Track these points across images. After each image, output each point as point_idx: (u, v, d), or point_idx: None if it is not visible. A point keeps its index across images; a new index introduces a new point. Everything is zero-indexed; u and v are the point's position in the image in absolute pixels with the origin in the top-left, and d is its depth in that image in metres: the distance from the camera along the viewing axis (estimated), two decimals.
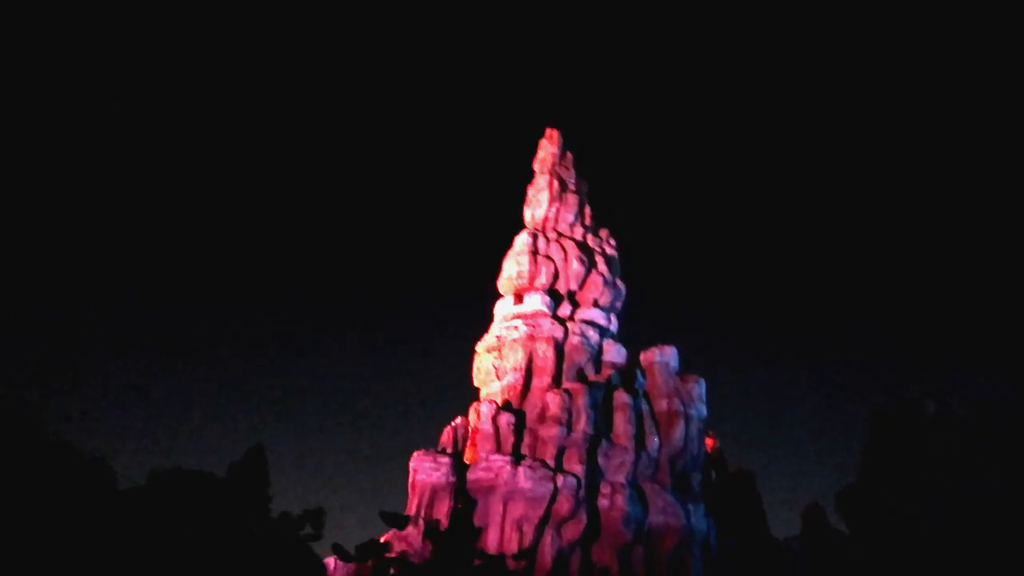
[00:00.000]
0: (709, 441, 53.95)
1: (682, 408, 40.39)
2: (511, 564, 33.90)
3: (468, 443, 39.50)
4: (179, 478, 56.87)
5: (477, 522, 36.66)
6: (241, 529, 52.78)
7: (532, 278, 43.74)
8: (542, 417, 38.36)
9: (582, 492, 36.21)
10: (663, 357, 42.10)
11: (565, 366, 41.16)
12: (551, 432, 37.37)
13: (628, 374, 42.56)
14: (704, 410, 41.42)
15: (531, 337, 41.21)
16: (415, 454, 37.09)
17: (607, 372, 42.06)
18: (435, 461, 36.45)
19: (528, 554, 34.74)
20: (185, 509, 53.81)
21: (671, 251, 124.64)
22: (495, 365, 41.81)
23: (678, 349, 42.72)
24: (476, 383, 43.36)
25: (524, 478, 35.55)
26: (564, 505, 35.61)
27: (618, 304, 45.48)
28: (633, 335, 45.77)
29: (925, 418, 33.49)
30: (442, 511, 35.93)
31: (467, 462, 38.25)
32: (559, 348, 41.36)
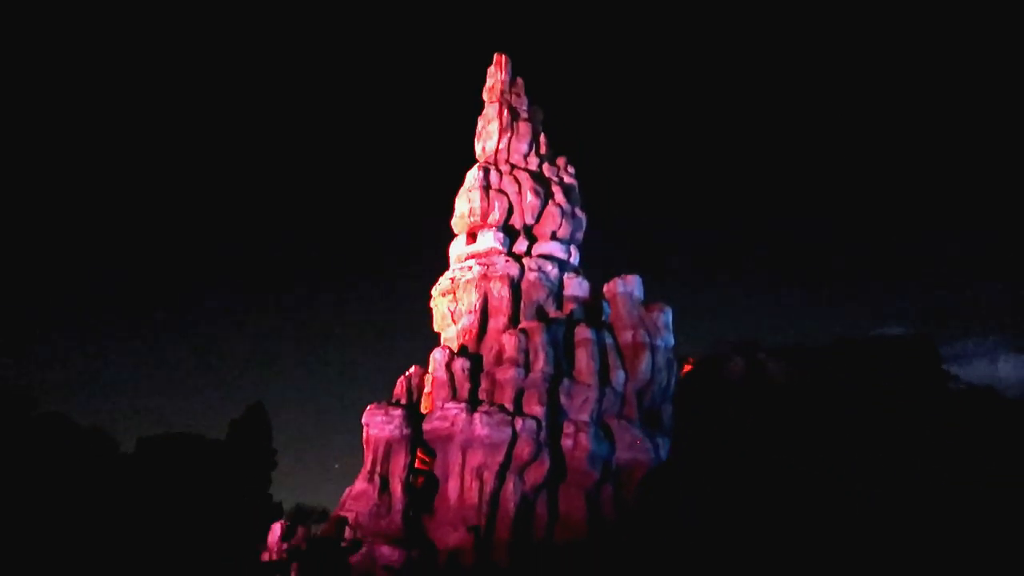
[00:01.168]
0: (687, 367, 52.48)
1: (648, 339, 38.52)
2: (472, 515, 32.65)
3: (427, 392, 37.88)
4: (169, 443, 55.55)
5: (437, 473, 35.37)
6: (244, 490, 51.89)
7: (485, 215, 41.42)
8: (499, 359, 36.58)
9: (543, 434, 34.65)
10: (626, 287, 40.05)
11: (523, 304, 39.19)
12: (508, 374, 35.63)
13: (593, 308, 40.62)
14: (671, 339, 39.54)
15: (485, 277, 39.15)
16: (368, 408, 35.49)
17: (570, 307, 40.09)
18: (387, 414, 34.85)
19: (491, 502, 33.45)
20: (180, 472, 52.81)
21: (639, 174, 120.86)
22: (450, 309, 39.89)
23: (643, 277, 40.70)
24: (436, 329, 41.56)
25: (481, 425, 33.96)
26: (525, 449, 34.09)
27: (579, 235, 43.21)
28: (604, 265, 43.74)
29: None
30: (399, 465, 34.51)
31: (425, 412, 36.69)
32: (515, 286, 39.33)
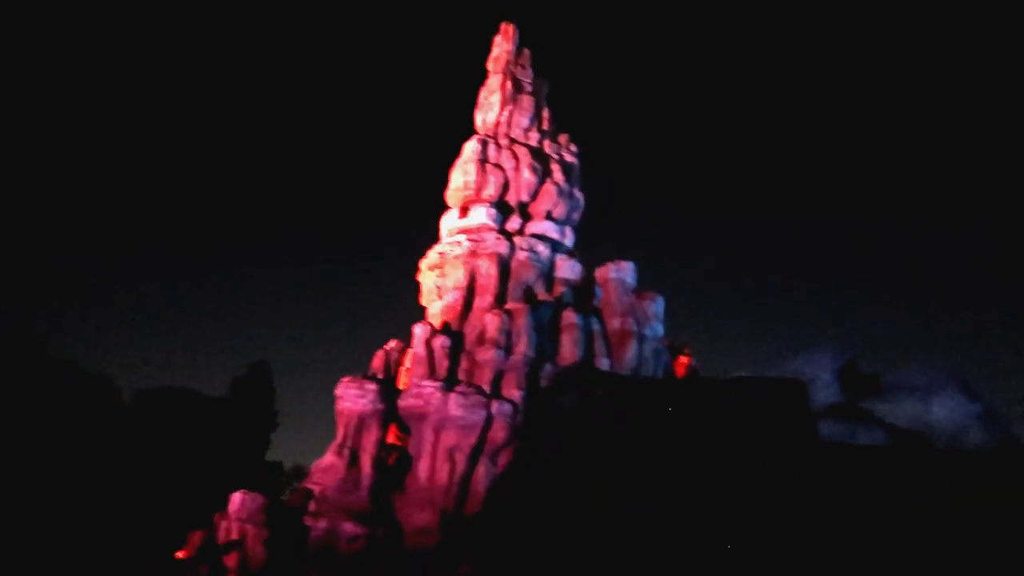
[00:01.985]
0: (684, 359, 51.41)
1: (636, 327, 37.48)
2: (440, 496, 32.03)
3: (406, 368, 37.13)
4: (167, 396, 55.31)
5: (410, 451, 34.71)
6: (242, 449, 51.67)
7: (479, 189, 40.31)
8: (481, 339, 35.71)
9: (519, 419, 33.83)
10: (619, 273, 38.94)
11: (511, 284, 38.19)
12: (488, 355, 34.77)
13: (584, 292, 39.61)
14: (660, 329, 38.50)
15: (473, 253, 38.14)
16: (341, 380, 34.81)
17: (559, 290, 39.10)
18: (361, 388, 34.13)
19: (461, 484, 32.77)
20: (177, 427, 52.70)
21: (645, 158, 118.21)
22: (437, 284, 38.97)
23: (637, 264, 39.61)
24: (423, 303, 40.70)
25: (455, 405, 33.17)
26: (499, 433, 33.31)
27: (575, 216, 42.03)
28: (601, 250, 42.56)
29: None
30: (370, 440, 33.87)
31: (402, 388, 35.96)
32: (504, 265, 38.29)
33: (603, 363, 36.43)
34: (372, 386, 34.23)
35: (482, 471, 33.14)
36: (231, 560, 29.48)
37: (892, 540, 19.96)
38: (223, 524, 31.05)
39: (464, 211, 40.20)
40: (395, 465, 34.91)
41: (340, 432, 33.97)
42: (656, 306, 38.50)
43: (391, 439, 36.31)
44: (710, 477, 21.85)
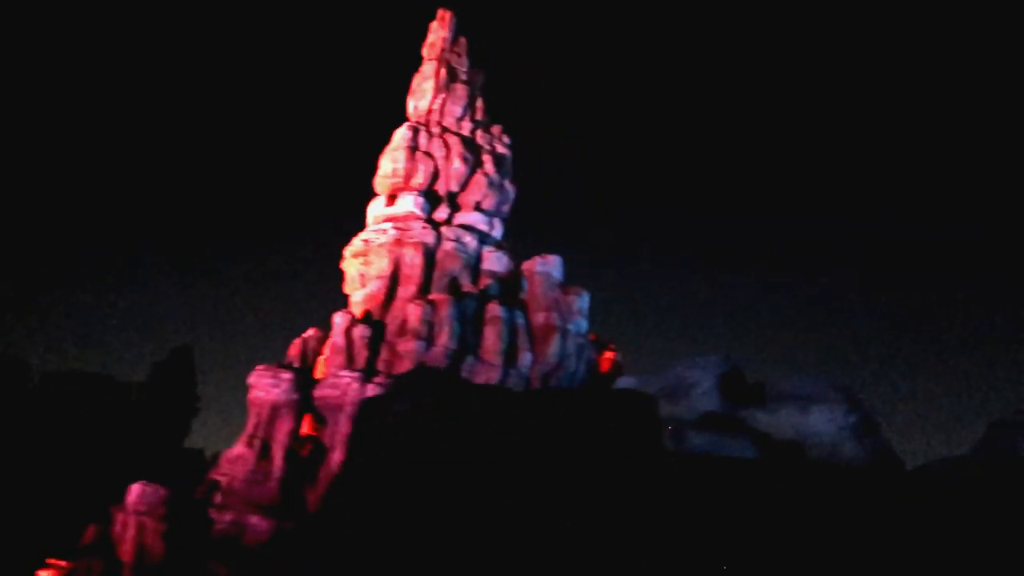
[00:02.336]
0: (609, 354, 51.61)
1: (560, 322, 37.32)
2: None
3: (325, 357, 36.24)
4: (75, 380, 52.98)
5: (325, 442, 33.90)
6: (159, 435, 49.63)
7: (408, 177, 39.60)
8: (402, 330, 35.09)
9: None
10: (545, 267, 38.69)
11: (436, 275, 37.61)
12: (408, 346, 34.17)
13: (511, 285, 39.27)
14: (584, 324, 38.46)
15: (398, 242, 37.43)
16: (256, 369, 33.77)
17: (485, 282, 38.69)
18: (275, 377, 33.16)
19: None
20: (85, 411, 50.47)
21: (581, 151, 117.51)
22: (361, 272, 38.14)
23: (564, 258, 39.37)
24: (347, 291, 39.80)
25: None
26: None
27: (505, 208, 41.67)
28: (531, 243, 42.24)
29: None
30: (283, 431, 32.95)
31: (319, 378, 35.09)
32: (429, 255, 37.69)
33: (525, 357, 36.19)
34: (287, 375, 33.29)
35: None
36: (126, 554, 28.26)
37: (731, 555, 18.34)
38: (119, 517, 29.75)
39: (392, 199, 39.44)
40: (309, 457, 34.06)
41: (251, 422, 32.97)
42: (581, 301, 38.43)
43: (307, 430, 35.45)
44: (532, 489, 19.64)
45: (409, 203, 38.58)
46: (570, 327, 37.54)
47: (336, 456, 32.80)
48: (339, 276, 39.63)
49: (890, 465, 26.23)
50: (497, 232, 40.77)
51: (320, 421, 34.73)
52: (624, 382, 30.16)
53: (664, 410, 26.64)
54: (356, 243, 38.90)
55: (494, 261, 39.26)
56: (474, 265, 39.09)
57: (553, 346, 36.78)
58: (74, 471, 45.44)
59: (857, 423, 26.68)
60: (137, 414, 50.72)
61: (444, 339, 34.54)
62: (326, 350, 36.22)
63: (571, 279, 39.97)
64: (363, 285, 37.83)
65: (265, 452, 32.41)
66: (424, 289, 37.06)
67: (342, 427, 33.14)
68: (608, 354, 51.26)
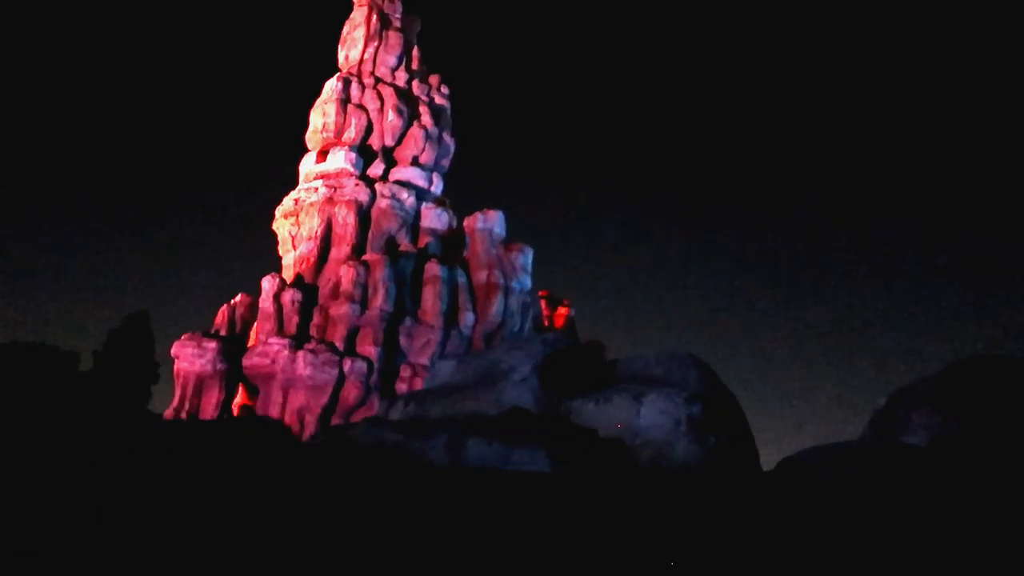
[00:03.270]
0: (564, 310, 50.58)
1: (502, 280, 35.96)
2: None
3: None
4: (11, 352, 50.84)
5: (258, 412, 32.42)
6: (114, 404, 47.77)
7: (339, 131, 37.53)
8: (335, 293, 33.47)
9: (374, 377, 31.99)
10: (486, 223, 37.16)
11: (372, 234, 35.89)
12: (342, 310, 32.61)
13: (454, 243, 37.71)
14: (528, 282, 37.16)
15: (330, 200, 35.55)
16: (179, 339, 32.01)
17: (426, 240, 37.09)
18: (199, 347, 31.46)
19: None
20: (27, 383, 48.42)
21: (526, 102, 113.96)
22: (292, 233, 36.25)
23: (506, 214, 37.83)
24: (280, 254, 37.91)
25: (303, 364, 31.00)
26: (352, 392, 31.42)
27: (445, 162, 39.86)
28: (476, 199, 40.51)
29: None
30: (210, 403, 31.39)
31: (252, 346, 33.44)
32: (363, 213, 35.89)
33: (467, 317, 34.87)
34: (211, 344, 31.59)
35: None
36: None
37: None
38: None
39: (323, 155, 37.40)
40: None
41: (176, 394, 31.32)
42: (524, 258, 37.05)
43: (243, 400, 33.94)
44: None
45: (340, 159, 36.60)
46: (513, 285, 36.21)
47: None
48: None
49: (731, 468, 20.60)
50: (437, 188, 39.02)
51: (253, 391, 33.22)
52: (442, 366, 26.17)
53: (466, 405, 22.58)
54: (287, 202, 36.94)
55: (434, 218, 37.61)
56: (413, 223, 37.42)
57: (496, 305, 35.47)
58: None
59: (698, 415, 21.22)
60: (88, 384, 48.86)
61: (379, 302, 33.02)
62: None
63: (517, 235, 38.61)
64: (295, 247, 35.99)
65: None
66: (359, 250, 35.35)
67: (275, 397, 31.70)
68: (562, 310, 50.24)
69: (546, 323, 49.62)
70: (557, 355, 25.23)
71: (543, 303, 49.79)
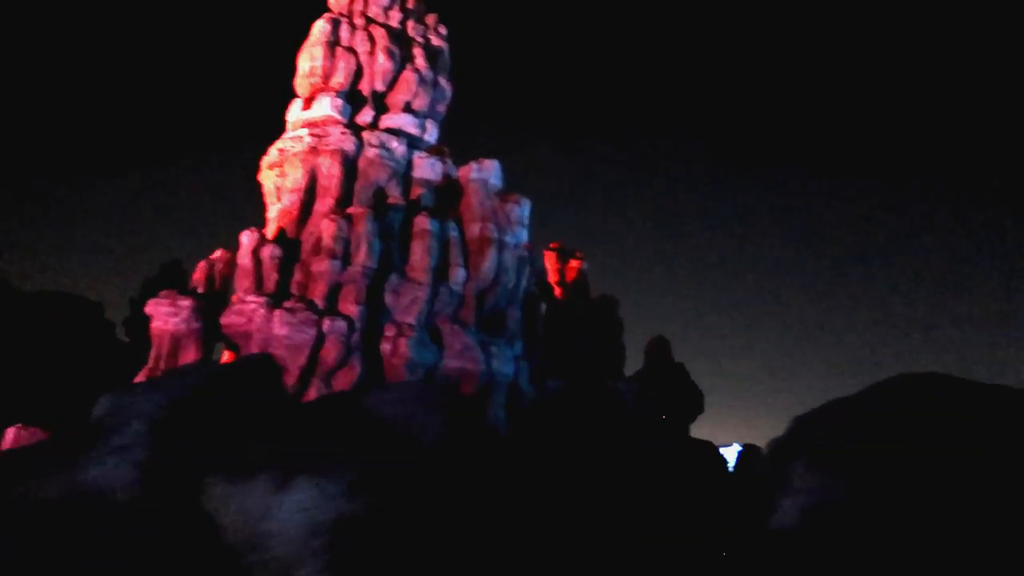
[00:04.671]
0: (575, 263, 48.39)
1: (496, 234, 33.87)
2: None
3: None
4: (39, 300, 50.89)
5: None
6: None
7: (327, 76, 35.46)
8: (317, 249, 31.83)
9: (356, 337, 30.45)
10: (481, 173, 34.95)
11: (359, 186, 33.99)
12: (322, 267, 30.97)
13: (448, 194, 35.66)
14: (524, 235, 34.98)
15: (313, 150, 33.65)
16: (155, 297, 30.82)
17: (418, 192, 35.10)
18: (173, 305, 30.24)
19: None
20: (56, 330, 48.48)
21: (533, 43, 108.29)
22: (276, 185, 34.57)
23: (504, 163, 35.56)
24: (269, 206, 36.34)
25: (280, 323, 29.55)
26: (331, 353, 29.94)
27: (440, 108, 37.56)
28: (479, 147, 38.22)
29: None
30: (188, 362, 30.24)
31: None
32: (350, 163, 33.95)
33: (458, 273, 32.98)
34: (186, 302, 30.34)
35: (313, 395, 29.88)
36: None
37: None
38: None
39: (309, 102, 35.41)
40: None
41: (152, 354, 30.28)
42: (520, 210, 34.83)
43: (229, 359, 32.81)
44: None
45: (326, 106, 34.57)
46: (507, 239, 34.10)
47: None
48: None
49: None
50: (431, 136, 36.81)
51: (236, 351, 32.03)
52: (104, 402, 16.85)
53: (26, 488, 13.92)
54: (272, 153, 35.13)
55: (427, 168, 35.48)
56: (404, 173, 35.36)
57: (488, 260, 33.47)
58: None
59: (348, 519, 13.17)
60: (111, 335, 48.92)
61: (362, 257, 31.28)
62: None
63: (529, 188, 36.44)
64: (279, 200, 34.34)
65: None
66: (345, 202, 33.54)
67: None
68: (574, 263, 48.10)
69: (556, 277, 47.62)
70: (212, 391, 16.25)
71: (554, 256, 47.72)
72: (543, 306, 37.36)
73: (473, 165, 35.12)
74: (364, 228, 31.61)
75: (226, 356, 32.98)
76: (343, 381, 30.41)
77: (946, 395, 14.65)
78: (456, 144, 38.66)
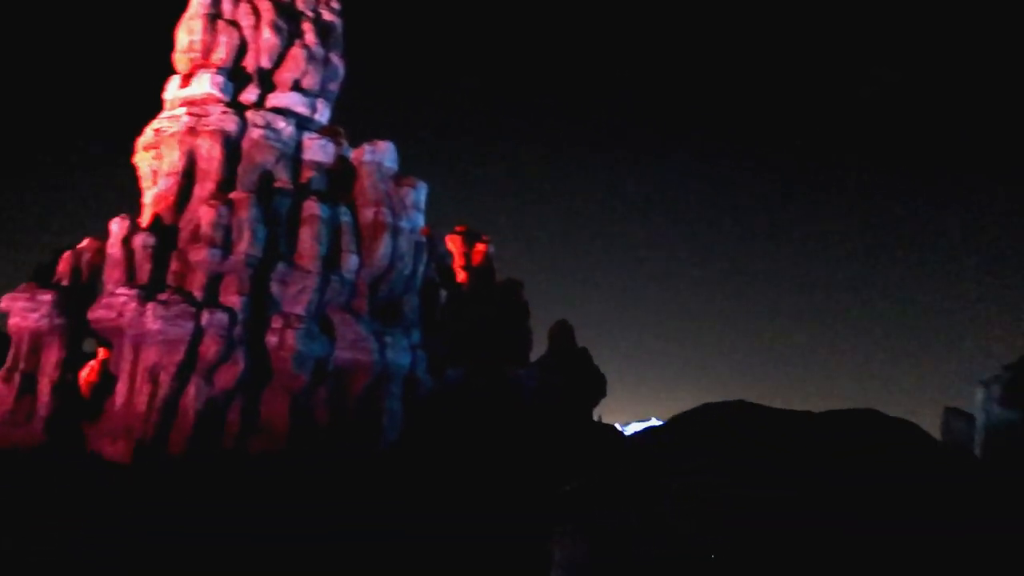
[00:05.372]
0: (482, 247, 47.32)
1: (390, 218, 32.50)
2: (139, 424, 26.92)
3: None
4: None
5: (111, 370, 29.18)
6: None
7: (207, 51, 33.21)
8: (196, 237, 29.85)
9: (238, 330, 28.75)
10: (375, 155, 33.44)
11: (242, 169, 32.02)
12: (200, 256, 29.07)
13: (342, 178, 34.01)
14: (421, 220, 33.75)
15: (191, 131, 31.50)
16: (14, 290, 28.38)
17: (308, 175, 33.36)
18: (32, 300, 27.91)
19: (164, 409, 27.70)
20: None
21: (440, 19, 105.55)
22: (152, 168, 32.29)
23: (396, 145, 34.11)
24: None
25: (152, 317, 27.60)
26: (211, 347, 28.19)
27: (332, 87, 35.73)
28: (376, 128, 36.48)
29: None
30: (50, 362, 28.06)
31: None
32: (232, 145, 31.93)
33: (351, 261, 31.54)
34: (46, 296, 28.03)
35: (193, 393, 28.13)
36: None
37: None
38: None
39: (188, 79, 33.13)
40: (97, 389, 29.42)
41: (10, 353, 27.88)
42: (416, 193, 33.54)
43: (104, 356, 30.62)
44: None
45: (206, 83, 32.38)
46: (402, 224, 32.78)
47: (121, 387, 28.22)
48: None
49: None
50: (322, 116, 35.01)
51: (108, 347, 29.89)
52: None
53: None
54: (147, 133, 32.77)
55: (317, 150, 33.73)
56: (294, 156, 33.53)
57: (383, 246, 32.10)
58: None
59: None
60: None
61: (244, 245, 29.50)
62: None
63: (419, 169, 35.10)
64: (155, 184, 32.08)
65: (29, 387, 27.53)
66: (227, 186, 31.53)
67: (125, 354, 28.41)
68: (480, 247, 46.98)
69: (462, 261, 46.49)
70: None
71: (459, 240, 46.55)
72: (443, 293, 36.24)
73: (366, 147, 33.57)
74: (247, 214, 29.80)
75: (102, 353, 30.86)
76: (226, 378, 28.71)
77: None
78: (356, 126, 36.96)
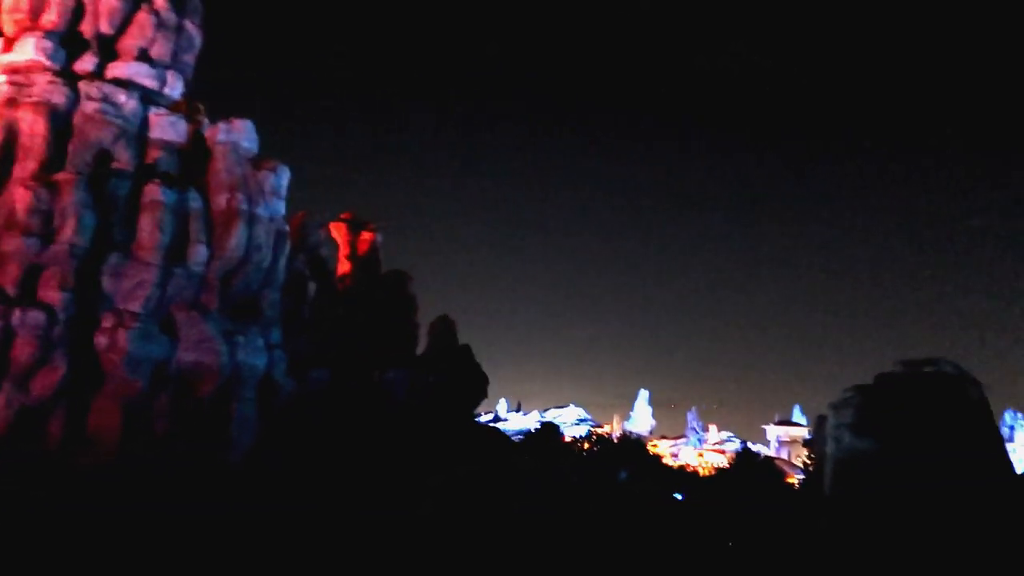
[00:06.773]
0: (368, 235, 44.54)
1: (246, 205, 29.46)
2: None
3: None
4: None
5: None
6: None
7: (35, 12, 29.42)
8: (10, 223, 26.21)
9: (59, 330, 25.34)
10: (230, 135, 30.28)
11: (73, 147, 28.38)
12: (14, 245, 25.51)
13: (196, 159, 30.71)
14: (281, 208, 30.86)
15: (12, 101, 27.73)
16: None
17: (155, 155, 29.95)
18: None
19: None
20: None
21: None
22: None
23: (254, 123, 31.01)
24: None
25: None
26: (25, 351, 24.74)
27: (187, 58, 32.34)
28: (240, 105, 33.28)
29: None
30: None
31: None
32: (62, 119, 28.28)
33: (199, 252, 28.40)
34: None
35: (2, 402, 24.64)
36: None
37: None
38: None
39: (11, 43, 29.23)
40: None
41: None
42: (277, 179, 30.59)
43: None
44: None
45: (30, 48, 28.59)
46: (260, 211, 29.78)
47: None
48: None
49: None
50: (174, 90, 31.55)
51: None
52: None
53: None
54: None
55: (166, 128, 30.33)
56: (139, 134, 30.06)
57: (236, 236, 29.06)
58: None
59: None
60: None
61: (68, 233, 26.06)
62: None
63: (287, 150, 32.03)
64: None
65: None
66: (55, 166, 27.90)
67: None
68: (366, 235, 44.16)
69: (347, 251, 43.61)
70: None
71: (344, 228, 43.64)
72: (312, 286, 33.42)
73: (221, 125, 30.38)
74: (71, 197, 26.33)
75: None
76: (43, 384, 25.28)
77: None
78: (227, 105, 33.67)
